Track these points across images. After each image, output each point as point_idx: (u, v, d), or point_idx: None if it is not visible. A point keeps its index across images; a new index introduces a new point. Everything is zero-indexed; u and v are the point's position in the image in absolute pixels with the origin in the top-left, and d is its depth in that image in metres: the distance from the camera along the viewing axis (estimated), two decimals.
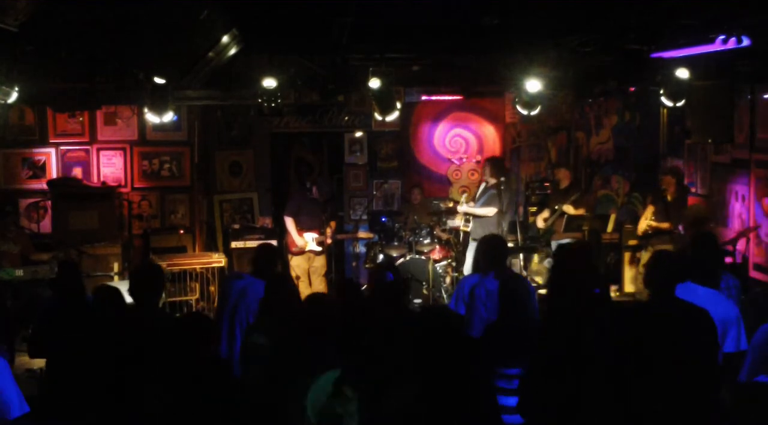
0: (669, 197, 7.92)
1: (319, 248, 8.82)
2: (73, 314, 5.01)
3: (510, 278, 5.06)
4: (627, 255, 8.62)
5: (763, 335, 3.86)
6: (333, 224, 9.15)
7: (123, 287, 7.53)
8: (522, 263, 9.64)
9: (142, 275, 4.92)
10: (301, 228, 8.80)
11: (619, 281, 8.70)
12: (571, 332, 3.35)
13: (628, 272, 8.63)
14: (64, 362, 4.12)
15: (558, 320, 3.48)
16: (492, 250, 5.55)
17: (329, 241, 8.92)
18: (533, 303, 5.21)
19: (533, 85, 7.31)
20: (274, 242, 9.55)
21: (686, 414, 3.65)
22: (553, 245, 9.24)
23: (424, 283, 9.29)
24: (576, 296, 3.74)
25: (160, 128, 9.75)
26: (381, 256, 9.77)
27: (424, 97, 10.19)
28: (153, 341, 4.06)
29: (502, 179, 8.89)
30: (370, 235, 10.18)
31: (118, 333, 4.35)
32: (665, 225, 7.81)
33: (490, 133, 12.06)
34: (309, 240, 8.76)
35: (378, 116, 7.93)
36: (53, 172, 10.10)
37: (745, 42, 5.42)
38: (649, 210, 8.00)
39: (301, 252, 8.80)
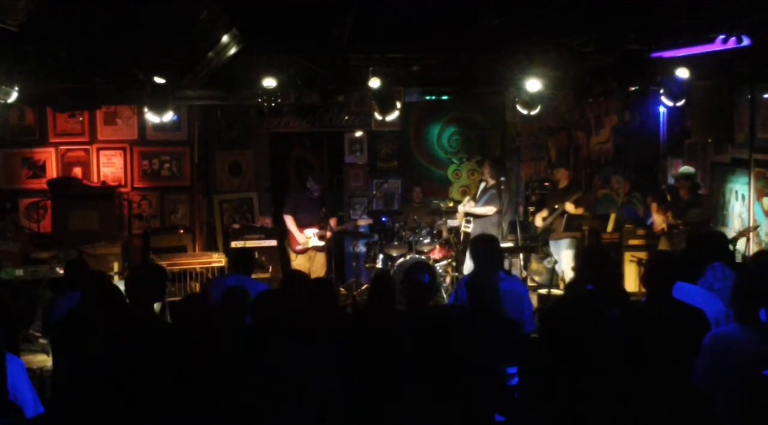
0: (684, 195, 7.93)
1: (322, 243, 8.83)
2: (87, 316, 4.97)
3: (476, 277, 4.95)
4: (627, 255, 8.63)
5: (713, 341, 3.73)
6: (334, 219, 9.14)
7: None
8: (522, 262, 9.65)
9: (141, 277, 4.88)
10: (301, 226, 8.81)
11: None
12: (579, 330, 3.35)
13: (629, 272, 8.63)
14: (80, 364, 4.09)
15: (565, 318, 3.47)
16: (478, 251, 5.49)
17: (330, 234, 8.93)
18: (505, 301, 5.07)
19: (533, 85, 7.31)
20: (274, 242, 9.57)
21: (684, 413, 3.66)
22: (551, 244, 9.25)
23: None
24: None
25: (160, 127, 9.76)
26: (381, 256, 9.77)
27: (424, 97, 10.19)
28: (149, 344, 4.05)
29: (502, 178, 8.89)
30: (370, 221, 10.19)
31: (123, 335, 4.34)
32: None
33: (490, 133, 12.06)
34: (310, 235, 8.78)
35: (378, 116, 7.93)
36: (53, 172, 10.09)
37: (745, 42, 5.43)
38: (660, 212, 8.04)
39: (304, 250, 8.81)
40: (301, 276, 5.44)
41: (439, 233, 9.91)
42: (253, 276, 6.35)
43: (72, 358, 4.14)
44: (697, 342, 3.75)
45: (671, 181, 8.57)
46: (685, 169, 8.07)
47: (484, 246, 5.49)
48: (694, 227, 7.69)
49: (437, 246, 9.76)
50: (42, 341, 7.30)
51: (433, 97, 10.54)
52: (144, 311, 4.71)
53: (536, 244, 9.67)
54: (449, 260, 9.71)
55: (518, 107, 8.01)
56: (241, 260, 6.20)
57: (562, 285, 9.54)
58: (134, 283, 4.74)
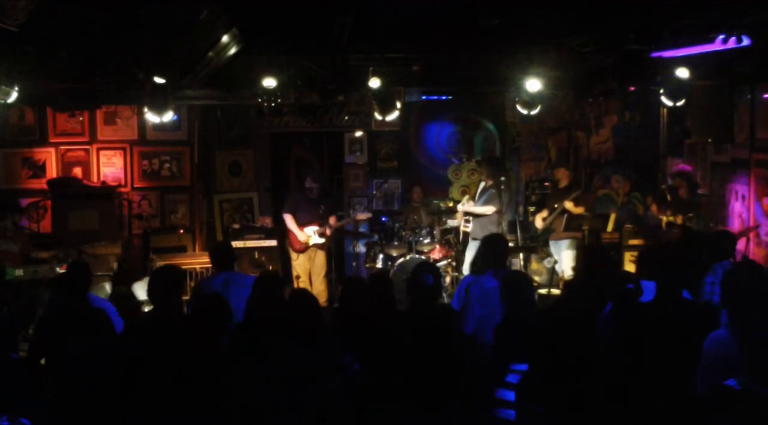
0: (683, 195, 7.93)
1: (322, 240, 8.82)
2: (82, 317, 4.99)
3: (510, 274, 5.07)
4: (627, 255, 8.62)
5: (713, 344, 3.65)
6: (333, 218, 9.14)
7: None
8: (522, 262, 9.64)
9: (162, 278, 4.93)
10: (300, 225, 8.80)
11: None
12: (581, 329, 3.36)
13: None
14: (72, 365, 4.10)
15: (569, 317, 3.47)
16: (491, 249, 5.58)
17: (330, 232, 8.92)
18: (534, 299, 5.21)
19: (533, 85, 7.32)
20: (274, 242, 9.57)
21: (687, 412, 3.65)
22: (551, 244, 9.25)
23: None
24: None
25: (160, 127, 9.75)
26: (381, 256, 9.77)
27: (424, 97, 10.20)
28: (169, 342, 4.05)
29: (502, 178, 8.89)
30: (369, 215, 10.20)
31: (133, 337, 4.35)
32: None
33: (490, 133, 12.05)
34: (311, 233, 8.78)
35: (378, 116, 7.94)
36: (53, 172, 10.09)
37: (745, 42, 5.43)
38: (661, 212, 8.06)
39: (304, 249, 8.80)
40: (273, 278, 5.39)
41: (439, 232, 9.91)
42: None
43: (69, 358, 4.14)
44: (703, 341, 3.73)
45: (671, 181, 8.57)
46: (681, 169, 8.09)
47: (496, 245, 5.57)
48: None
49: (437, 246, 9.76)
50: None
51: (433, 97, 10.54)
52: (163, 311, 4.75)
53: (536, 244, 9.67)
54: (449, 260, 9.71)
55: (518, 107, 8.01)
56: (224, 257, 6.17)
57: (562, 285, 9.53)
58: (151, 282, 4.81)
